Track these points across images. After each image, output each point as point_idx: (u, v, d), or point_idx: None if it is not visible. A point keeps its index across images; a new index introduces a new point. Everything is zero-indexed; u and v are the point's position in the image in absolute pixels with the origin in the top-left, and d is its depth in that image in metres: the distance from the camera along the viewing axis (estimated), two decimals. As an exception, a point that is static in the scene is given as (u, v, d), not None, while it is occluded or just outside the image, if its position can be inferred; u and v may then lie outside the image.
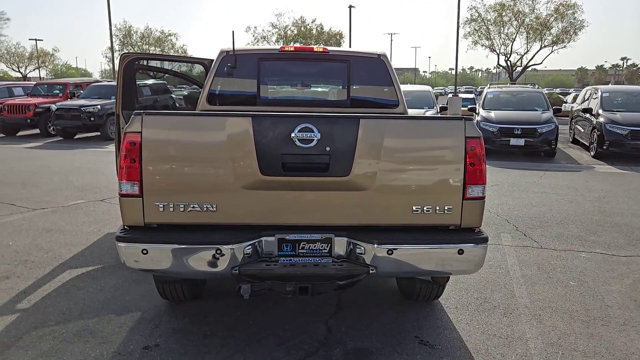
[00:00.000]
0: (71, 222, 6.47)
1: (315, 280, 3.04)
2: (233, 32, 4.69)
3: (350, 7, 42.32)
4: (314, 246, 3.07)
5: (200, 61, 5.79)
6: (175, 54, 39.56)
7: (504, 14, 29.75)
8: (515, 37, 30.76)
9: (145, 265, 2.99)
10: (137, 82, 5.87)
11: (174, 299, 3.97)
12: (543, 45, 30.41)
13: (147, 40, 43.37)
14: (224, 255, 2.92)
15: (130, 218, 3.04)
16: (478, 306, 4.13)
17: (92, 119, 15.28)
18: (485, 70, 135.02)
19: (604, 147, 12.28)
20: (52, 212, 6.97)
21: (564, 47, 30.24)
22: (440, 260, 3.00)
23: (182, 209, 3.00)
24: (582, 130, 14.33)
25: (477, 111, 14.54)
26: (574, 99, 19.79)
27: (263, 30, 39.76)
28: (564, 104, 22.47)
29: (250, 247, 2.99)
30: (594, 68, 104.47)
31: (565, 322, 3.87)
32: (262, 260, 3.03)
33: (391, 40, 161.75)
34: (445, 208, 3.04)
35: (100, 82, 19.64)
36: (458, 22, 31.49)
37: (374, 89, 4.91)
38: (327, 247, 3.07)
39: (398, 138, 3.00)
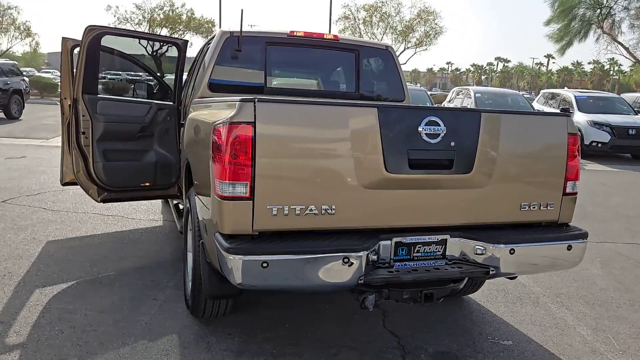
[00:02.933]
0: (-9, 230, 5.30)
1: (436, 286, 2.84)
2: (242, 10, 4.18)
3: (220, -5, 40.81)
4: (429, 249, 2.86)
5: (173, 41, 5.11)
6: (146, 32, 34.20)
7: (373, 14, 31.32)
8: (382, 37, 32.62)
9: (266, 282, 2.51)
10: None
11: (209, 316, 3.43)
12: (407, 47, 32.82)
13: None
14: (352, 264, 2.57)
15: (234, 225, 2.53)
16: (504, 298, 4.23)
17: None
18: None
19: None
20: (-45, 219, 5.65)
21: (425, 49, 32.98)
22: (552, 257, 2.99)
23: (297, 213, 2.58)
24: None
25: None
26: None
27: (126, 11, 36.67)
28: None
29: (374, 253, 2.68)
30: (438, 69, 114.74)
31: (590, 308, 4.14)
32: (380, 267, 2.74)
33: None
34: (548, 204, 3.03)
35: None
36: (330, 19, 32.33)
37: (381, 81, 4.75)
38: (441, 249, 2.88)
39: (511, 133, 2.92)
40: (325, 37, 4.53)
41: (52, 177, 8.13)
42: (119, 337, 3.28)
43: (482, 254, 2.84)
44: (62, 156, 5.51)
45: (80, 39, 4.52)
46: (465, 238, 2.88)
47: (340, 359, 3.15)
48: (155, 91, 6.26)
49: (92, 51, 4.51)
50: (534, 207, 3.00)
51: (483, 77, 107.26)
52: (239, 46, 4.19)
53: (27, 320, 3.44)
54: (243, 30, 4.21)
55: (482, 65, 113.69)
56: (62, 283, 4.09)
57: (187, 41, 5.16)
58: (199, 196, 3.09)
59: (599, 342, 3.56)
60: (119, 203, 6.58)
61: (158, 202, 6.72)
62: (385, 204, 2.73)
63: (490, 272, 2.84)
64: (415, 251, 2.83)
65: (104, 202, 4.87)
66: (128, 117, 4.76)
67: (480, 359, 3.24)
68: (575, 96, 15.78)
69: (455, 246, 2.89)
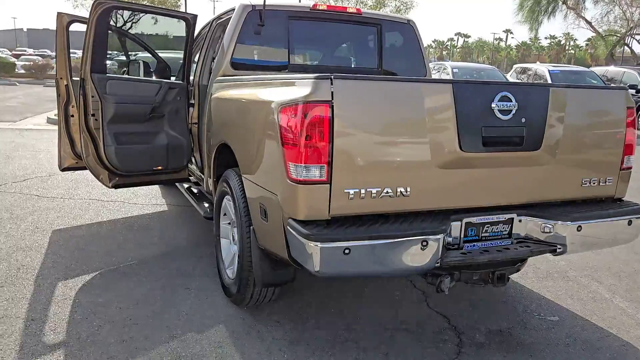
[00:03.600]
0: (-10, 220, 4.98)
1: (506, 266, 2.79)
2: (263, -21, 3.96)
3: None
4: (496, 228, 2.79)
5: (182, 16, 4.83)
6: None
7: (343, -12, 30.90)
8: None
9: (345, 269, 2.38)
10: None
11: (254, 304, 3.29)
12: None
13: None
14: (428, 246, 2.48)
15: (309, 210, 2.39)
16: (534, 274, 4.24)
17: None
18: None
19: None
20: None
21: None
22: (614, 232, 2.97)
23: (373, 196, 2.46)
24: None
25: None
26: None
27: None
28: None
29: (449, 235, 2.60)
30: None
31: (618, 280, 4.20)
32: (451, 249, 2.66)
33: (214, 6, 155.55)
34: (607, 179, 3.01)
35: None
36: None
37: (403, 56, 4.63)
38: (507, 228, 2.82)
39: (575, 108, 2.86)
40: (348, 10, 4.36)
41: (34, 162, 7.75)
42: (163, 330, 3.11)
43: (549, 232, 2.80)
44: (60, 140, 5.21)
45: (88, 14, 4.21)
46: (531, 216, 2.82)
47: (398, 343, 3.08)
48: (152, 70, 5.98)
49: (100, 27, 4.21)
50: (594, 183, 2.96)
51: (444, 53, 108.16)
52: (261, 20, 3.99)
53: (60, 316, 3.23)
54: (265, 3, 4.00)
55: (443, 41, 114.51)
56: (83, 275, 3.86)
57: (197, 15, 4.89)
58: (249, 180, 2.93)
59: (634, 310, 3.61)
60: (112, 191, 6.31)
61: (157, 186, 6.47)
62: (457, 184, 2.64)
63: (558, 250, 2.80)
64: (484, 231, 2.76)
65: (115, 188, 4.61)
66: (139, 97, 4.49)
67: (535, 337, 3.23)
68: (549, 70, 16.02)
69: (521, 225, 2.84)
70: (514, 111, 2.63)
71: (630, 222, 2.96)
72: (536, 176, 2.81)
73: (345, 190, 2.40)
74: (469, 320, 3.39)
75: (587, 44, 73.74)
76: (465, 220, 2.69)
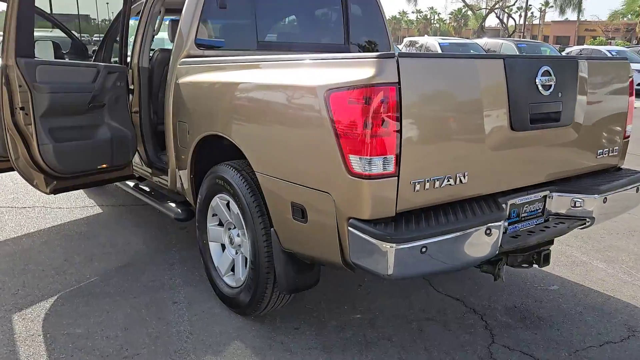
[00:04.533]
0: None
1: (549, 245, 2.74)
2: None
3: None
4: (532, 207, 2.73)
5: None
6: None
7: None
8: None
9: (419, 269, 2.15)
10: None
11: (264, 312, 2.96)
12: None
13: None
14: (492, 234, 2.33)
15: (376, 208, 2.12)
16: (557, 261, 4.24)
17: None
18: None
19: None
20: None
21: None
22: (627, 200, 3.04)
23: (436, 185, 2.25)
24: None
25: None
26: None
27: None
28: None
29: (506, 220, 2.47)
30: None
31: (582, 242, 4.42)
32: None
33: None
34: (614, 149, 3.07)
35: None
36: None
37: (368, 32, 4.41)
38: (541, 206, 2.77)
39: (594, 80, 2.85)
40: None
41: None
42: (173, 357, 2.68)
43: (579, 207, 2.79)
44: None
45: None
46: (562, 192, 2.79)
47: (430, 335, 2.94)
48: (65, 51, 5.19)
49: (26, 5, 3.47)
50: (605, 154, 3.01)
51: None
52: (227, -9, 3.54)
53: (39, 359, 2.64)
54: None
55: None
56: (39, 301, 3.23)
57: (136, -8, 4.27)
58: (271, 177, 2.56)
59: (620, 272, 3.81)
60: (25, 192, 5.45)
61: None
62: (505, 165, 2.51)
63: (587, 224, 2.81)
64: (523, 212, 2.68)
65: (54, 193, 3.91)
66: (76, 85, 3.81)
67: (548, 309, 3.26)
68: (439, 43, 16.73)
69: (552, 202, 2.80)
70: (553, 86, 2.55)
71: (638, 190, 3.05)
72: (565, 151, 2.78)
73: (411, 182, 2.16)
74: (482, 300, 3.34)
75: (450, 18, 78.67)
76: (509, 202, 2.58)
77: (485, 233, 2.29)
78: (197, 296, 3.32)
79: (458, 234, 2.18)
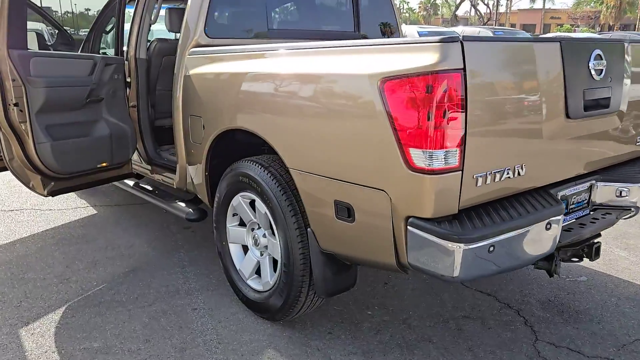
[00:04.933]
0: None
1: (597, 237, 2.63)
2: None
3: None
4: (579, 198, 2.61)
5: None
6: None
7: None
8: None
9: (485, 270, 2.00)
10: None
11: (299, 314, 2.79)
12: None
13: None
14: (552, 229, 2.20)
15: (439, 205, 1.95)
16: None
17: None
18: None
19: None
20: None
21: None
22: None
23: (496, 179, 2.10)
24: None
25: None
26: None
27: None
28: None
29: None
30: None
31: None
32: (552, 227, 2.42)
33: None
34: (645, 136, 2.98)
35: None
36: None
37: (378, 20, 4.24)
38: (587, 196, 2.65)
39: (633, 63, 2.74)
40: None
41: None
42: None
43: (625, 196, 2.68)
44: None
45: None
46: (606, 181, 2.68)
47: (470, 334, 2.81)
48: (50, 43, 4.89)
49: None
50: (640, 142, 2.92)
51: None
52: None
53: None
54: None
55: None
56: (46, 313, 2.98)
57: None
58: (310, 174, 2.37)
59: (643, 261, 3.77)
60: (9, 193, 5.14)
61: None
62: (558, 155, 2.38)
63: (631, 213, 2.71)
64: (571, 203, 2.56)
65: (52, 195, 3.63)
66: (72, 78, 3.54)
67: (583, 301, 3.17)
68: (417, 32, 16.65)
69: (596, 192, 2.69)
70: (604, 71, 2.42)
71: None
72: (610, 139, 2.67)
73: (474, 176, 2.01)
74: (514, 294, 3.23)
75: (419, 7, 78.94)
76: (559, 194, 2.45)
77: (546, 228, 2.16)
78: (217, 301, 3.11)
79: (523, 230, 2.04)
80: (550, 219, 2.16)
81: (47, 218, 4.51)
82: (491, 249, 1.94)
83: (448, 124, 1.88)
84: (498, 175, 2.09)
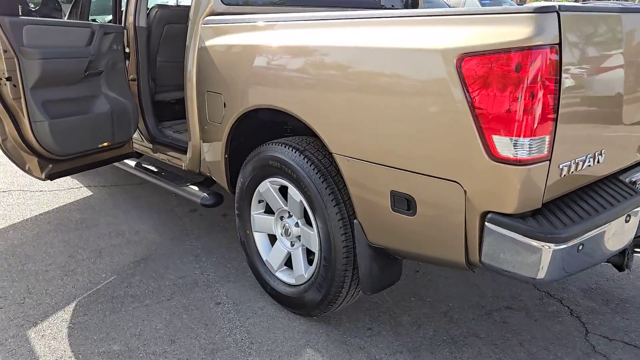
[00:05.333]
0: None
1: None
2: None
3: None
4: (641, 185, 2.42)
5: None
6: None
7: None
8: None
9: (570, 270, 1.80)
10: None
11: (337, 309, 2.58)
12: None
13: None
14: (631, 221, 2.01)
15: (524, 199, 1.73)
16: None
17: None
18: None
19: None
20: None
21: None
22: None
23: (579, 168, 1.89)
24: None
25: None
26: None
27: None
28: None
29: None
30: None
31: None
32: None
33: None
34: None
35: None
36: None
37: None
38: None
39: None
40: None
41: None
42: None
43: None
44: None
45: None
46: None
47: (517, 327, 2.65)
48: (34, 9, 4.47)
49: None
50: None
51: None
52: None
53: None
54: None
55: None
56: (55, 312, 2.71)
57: None
58: (362, 160, 2.12)
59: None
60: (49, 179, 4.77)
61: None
62: (631, 138, 2.17)
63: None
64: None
65: (50, 179, 3.31)
66: (69, 48, 3.20)
67: (627, 289, 3.03)
68: (480, 2, 16.37)
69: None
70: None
71: None
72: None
73: (560, 166, 1.79)
74: (555, 282, 3.07)
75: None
76: (627, 179, 2.26)
77: (625, 220, 1.97)
78: (241, 294, 2.88)
79: (608, 225, 1.84)
80: (632, 211, 1.97)
81: (38, 200, 4.18)
82: (580, 247, 1.74)
83: (539, 108, 1.64)
84: (580, 164, 1.88)
